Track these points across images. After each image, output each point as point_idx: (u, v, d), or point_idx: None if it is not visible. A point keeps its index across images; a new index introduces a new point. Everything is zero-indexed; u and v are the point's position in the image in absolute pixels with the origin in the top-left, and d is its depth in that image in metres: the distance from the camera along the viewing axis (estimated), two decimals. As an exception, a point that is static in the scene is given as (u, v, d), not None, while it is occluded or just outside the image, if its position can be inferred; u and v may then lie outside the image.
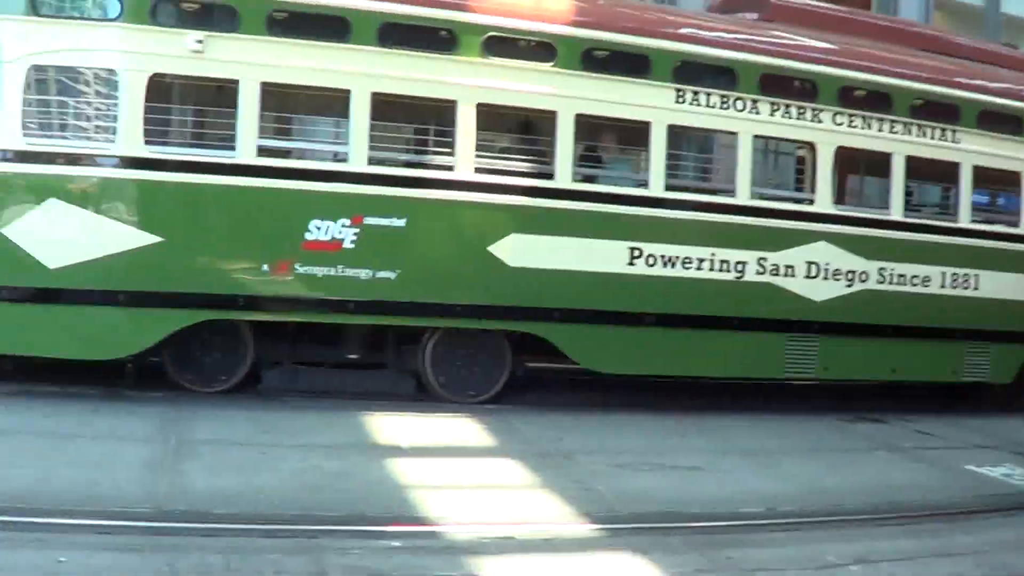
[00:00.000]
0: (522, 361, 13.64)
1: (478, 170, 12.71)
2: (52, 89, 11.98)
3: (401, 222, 12.39)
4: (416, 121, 13.25)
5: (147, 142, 11.79)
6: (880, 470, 11.78)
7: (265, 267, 12.13)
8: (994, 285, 15.44)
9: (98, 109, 11.96)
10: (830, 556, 8.55)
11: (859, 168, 16.13)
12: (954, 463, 12.35)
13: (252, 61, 12.04)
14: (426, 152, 13.00)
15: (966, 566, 8.72)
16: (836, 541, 8.96)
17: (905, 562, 8.64)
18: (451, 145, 12.67)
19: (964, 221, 15.41)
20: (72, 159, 11.89)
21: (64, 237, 11.77)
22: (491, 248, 12.70)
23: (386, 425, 11.59)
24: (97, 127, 11.97)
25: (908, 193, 15.25)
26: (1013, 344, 15.20)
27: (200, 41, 11.81)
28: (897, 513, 9.97)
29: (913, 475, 11.69)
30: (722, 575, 7.91)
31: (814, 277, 14.28)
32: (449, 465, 10.28)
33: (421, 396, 13.13)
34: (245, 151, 12.03)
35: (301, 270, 12.17)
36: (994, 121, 15.50)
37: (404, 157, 13.08)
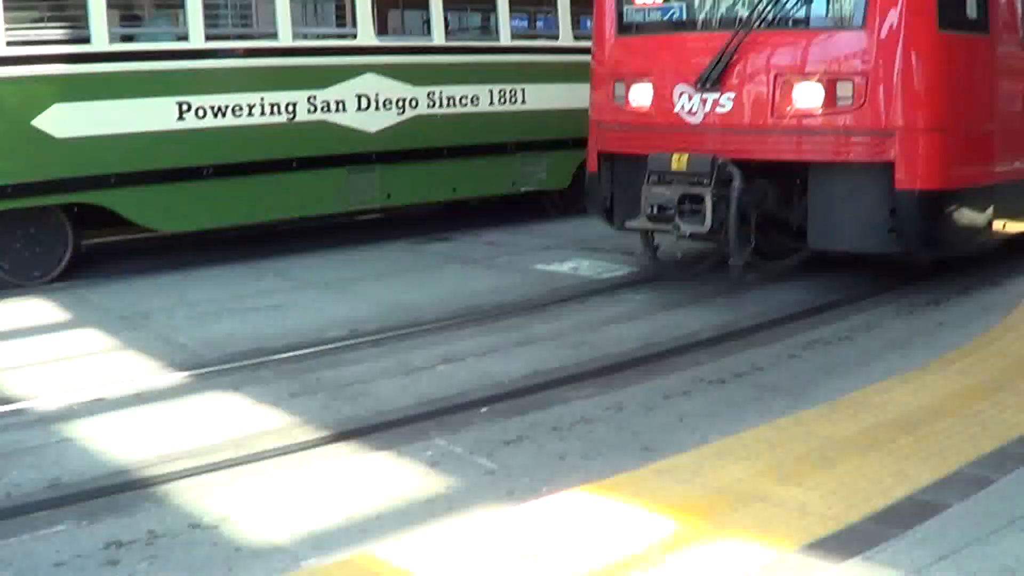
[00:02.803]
0: (83, 235, 13.22)
1: (11, 43, 11.96)
2: None
3: (-67, 106, 11.68)
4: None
5: None
6: (455, 281, 12.16)
7: None
8: (540, 98, 15.98)
9: None
10: (416, 361, 8.84)
11: (399, 2, 16.27)
12: (525, 265, 12.89)
13: None
14: (-48, 29, 12.15)
15: (547, 348, 9.19)
16: (420, 348, 9.27)
17: (490, 355, 9.03)
18: (-26, 18, 11.88)
19: (505, 40, 15.81)
20: None
21: None
22: (34, 122, 12.09)
23: (-50, 319, 11.09)
24: None
25: (447, 21, 15.50)
26: (565, 151, 15.79)
27: None
28: (475, 316, 10.36)
29: (487, 281, 12.10)
30: (316, 395, 8.05)
31: (366, 109, 14.38)
32: (26, 345, 9.86)
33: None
34: None
35: None
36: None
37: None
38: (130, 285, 12.42)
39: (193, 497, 6.17)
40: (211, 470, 6.56)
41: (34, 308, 11.45)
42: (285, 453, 6.83)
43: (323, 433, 7.15)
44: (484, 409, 7.62)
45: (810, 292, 11.02)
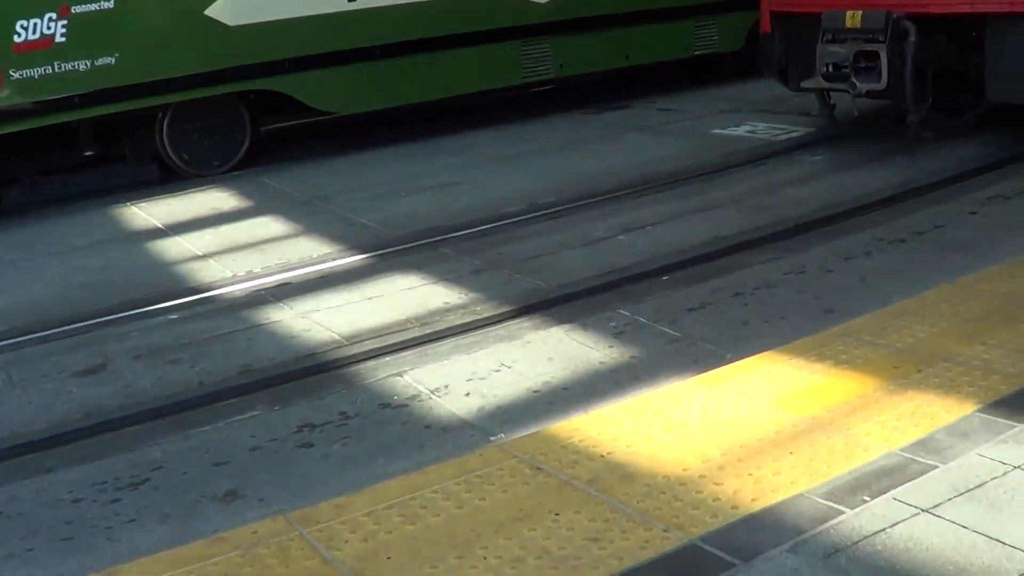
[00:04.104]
0: (262, 122, 13.48)
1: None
2: None
3: (110, 3, 11.84)
4: None
5: None
6: (631, 150, 12.14)
7: (-23, 82, 11.52)
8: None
9: None
10: (596, 232, 8.87)
11: None
12: (700, 130, 12.80)
13: None
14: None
15: (726, 214, 9.12)
16: (599, 219, 9.32)
17: (669, 222, 8.99)
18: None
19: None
20: None
21: None
22: (207, 11, 12.28)
23: (139, 212, 11.37)
24: None
25: None
26: (737, 13, 15.51)
27: None
28: (653, 184, 10.30)
29: (664, 148, 12.05)
30: (498, 270, 8.11)
31: (535, -21, 14.27)
32: (211, 235, 10.11)
33: (167, 178, 12.80)
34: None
35: (17, 76, 11.59)
36: None
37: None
38: (308, 170, 12.67)
39: (382, 377, 6.28)
40: (398, 349, 6.66)
41: (216, 197, 11.75)
42: (470, 329, 6.90)
43: (507, 308, 7.21)
44: (666, 277, 7.61)
45: (988, 147, 10.67)
